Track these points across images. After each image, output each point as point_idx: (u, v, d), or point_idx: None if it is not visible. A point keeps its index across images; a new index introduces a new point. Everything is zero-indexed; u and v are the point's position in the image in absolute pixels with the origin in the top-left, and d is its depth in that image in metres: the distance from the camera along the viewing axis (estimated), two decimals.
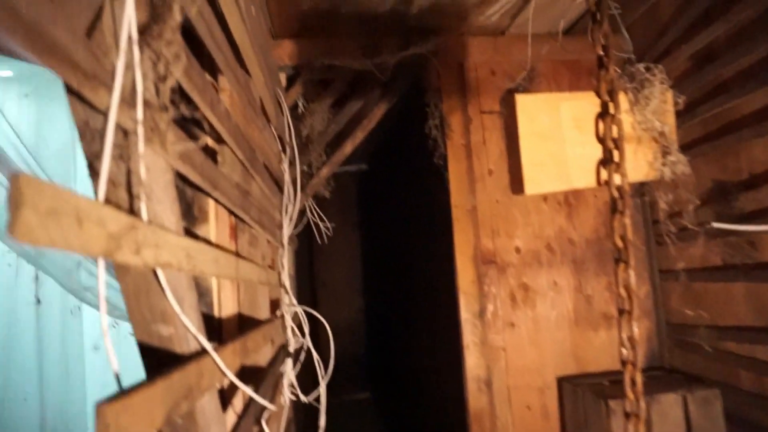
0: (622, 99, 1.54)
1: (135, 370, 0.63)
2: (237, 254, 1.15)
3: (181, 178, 0.74)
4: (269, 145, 1.44)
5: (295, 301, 1.63)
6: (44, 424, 2.47)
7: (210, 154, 1.05)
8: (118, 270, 0.59)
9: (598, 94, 1.25)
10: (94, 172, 0.52)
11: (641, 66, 1.80)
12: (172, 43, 0.53)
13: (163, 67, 0.53)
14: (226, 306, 1.10)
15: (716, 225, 1.74)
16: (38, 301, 2.54)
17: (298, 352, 1.60)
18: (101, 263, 0.46)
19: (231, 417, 0.98)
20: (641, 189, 2.19)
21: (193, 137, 0.97)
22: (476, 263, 2.12)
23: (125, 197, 0.54)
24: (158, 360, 0.63)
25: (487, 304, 2.11)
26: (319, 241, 2.23)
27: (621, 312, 1.15)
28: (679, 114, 1.87)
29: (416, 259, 3.41)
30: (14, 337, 2.49)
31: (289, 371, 1.45)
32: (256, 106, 1.30)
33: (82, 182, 2.47)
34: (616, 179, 1.21)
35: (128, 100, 0.50)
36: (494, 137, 2.19)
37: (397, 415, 4.36)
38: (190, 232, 0.98)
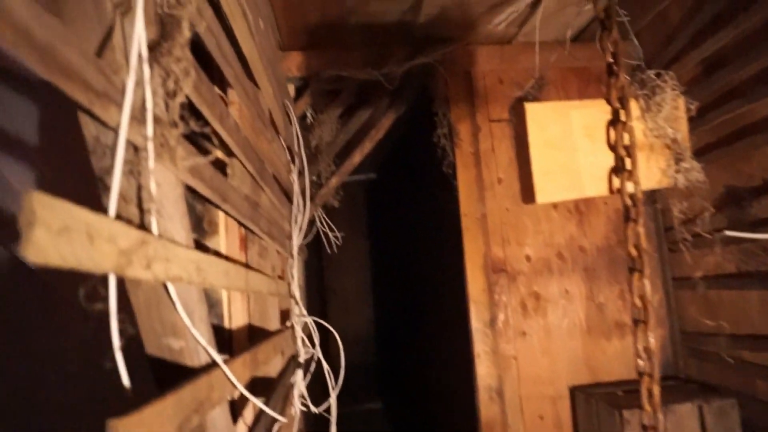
0: (633, 106, 1.53)
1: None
2: (247, 265, 1.15)
3: (191, 191, 0.75)
4: (278, 157, 1.44)
5: (305, 312, 1.63)
6: None
7: (220, 166, 1.06)
8: (129, 284, 0.59)
9: (609, 102, 1.25)
10: (104, 188, 0.52)
11: (652, 73, 1.80)
12: (181, 60, 0.54)
13: (172, 83, 0.54)
14: (236, 317, 1.10)
15: (729, 233, 1.72)
16: None
17: (308, 362, 1.60)
18: (112, 279, 0.46)
19: (242, 429, 0.98)
20: (653, 196, 2.17)
21: (203, 150, 0.97)
22: (486, 272, 2.11)
23: (136, 212, 0.54)
24: (169, 373, 0.63)
25: (498, 313, 2.09)
26: (329, 251, 2.23)
27: (636, 322, 1.14)
28: (690, 120, 1.86)
29: (426, 268, 3.40)
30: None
31: (300, 382, 1.44)
32: (265, 118, 1.31)
33: None
34: (629, 187, 1.20)
35: (138, 116, 0.51)
36: (503, 145, 2.18)
37: (408, 424, 4.33)
38: (200, 245, 0.99)
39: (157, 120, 0.53)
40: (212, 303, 1.04)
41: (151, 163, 0.52)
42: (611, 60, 1.21)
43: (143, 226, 0.54)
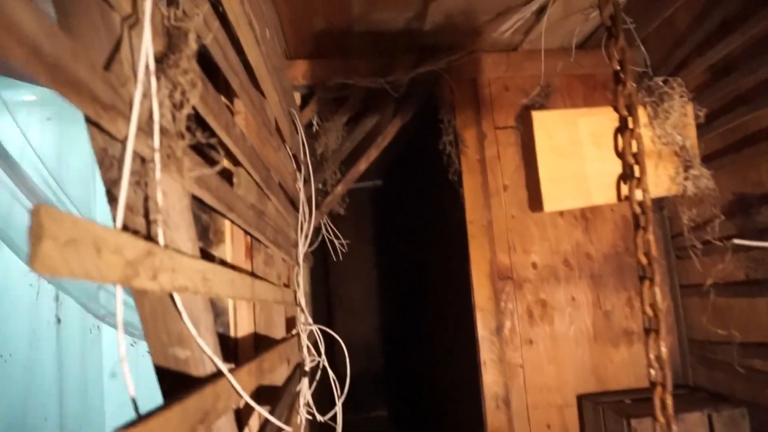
0: (641, 113, 1.53)
1: (153, 390, 0.63)
2: (252, 274, 1.16)
3: (197, 200, 0.75)
4: (284, 165, 1.45)
5: (310, 320, 1.63)
6: None
7: (226, 175, 1.07)
8: (136, 294, 0.59)
9: (616, 109, 1.24)
10: (112, 198, 0.53)
11: (659, 79, 1.79)
12: (188, 72, 0.55)
13: (179, 94, 0.54)
14: (242, 326, 1.11)
15: (738, 242, 1.71)
16: (58, 321, 2.57)
17: (314, 370, 1.60)
18: (119, 290, 0.46)
19: None
20: (660, 203, 2.16)
21: (209, 159, 0.98)
22: (493, 279, 2.10)
23: (143, 223, 0.54)
24: (175, 383, 0.63)
25: (505, 321, 2.08)
26: (335, 258, 2.23)
27: (648, 331, 1.12)
28: (697, 127, 1.85)
29: (432, 275, 3.39)
30: (35, 356, 2.53)
31: (305, 391, 1.44)
32: (271, 127, 1.32)
33: (101, 202, 2.52)
34: (638, 195, 1.19)
35: (145, 128, 0.51)
36: (509, 152, 2.18)
37: None
38: (206, 253, 0.99)
39: (163, 131, 0.53)
40: (218, 312, 1.04)
41: (158, 174, 0.53)
42: (618, 67, 1.21)
43: (150, 237, 0.55)
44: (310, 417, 1.49)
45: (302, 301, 1.59)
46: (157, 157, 0.52)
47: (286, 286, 1.52)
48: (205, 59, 0.74)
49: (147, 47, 0.50)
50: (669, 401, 1.08)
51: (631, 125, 1.22)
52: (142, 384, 0.57)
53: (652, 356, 1.10)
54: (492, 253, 2.11)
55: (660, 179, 1.72)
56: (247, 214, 0.92)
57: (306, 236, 1.67)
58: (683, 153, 1.76)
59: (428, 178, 3.09)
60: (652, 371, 1.11)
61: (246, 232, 1.12)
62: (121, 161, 0.50)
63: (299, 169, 1.77)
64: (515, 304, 2.10)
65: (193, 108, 0.62)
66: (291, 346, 1.35)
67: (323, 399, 1.78)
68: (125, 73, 0.51)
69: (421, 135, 3.01)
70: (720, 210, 1.83)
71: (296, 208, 1.68)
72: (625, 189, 1.27)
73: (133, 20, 0.51)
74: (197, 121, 0.66)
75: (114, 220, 0.49)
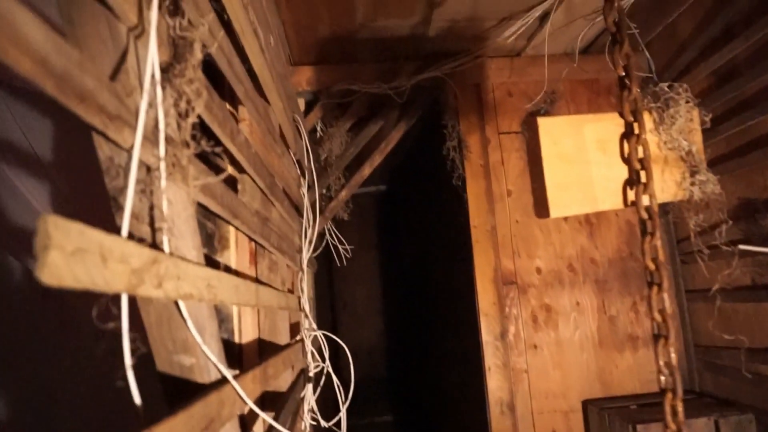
0: (647, 119, 1.53)
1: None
2: (257, 280, 1.16)
3: (201, 206, 0.75)
4: (288, 171, 1.45)
5: (314, 326, 1.63)
6: None
7: (230, 182, 1.07)
8: (141, 302, 0.60)
9: (622, 115, 1.24)
10: (117, 207, 0.53)
11: (665, 85, 1.79)
12: (193, 81, 0.55)
13: (184, 104, 0.55)
14: (246, 332, 1.11)
15: (743, 247, 1.70)
16: None
17: (318, 376, 1.60)
18: (124, 298, 0.47)
19: None
20: (665, 208, 2.16)
21: (214, 166, 0.99)
22: (497, 284, 2.10)
23: (148, 231, 0.55)
24: (180, 390, 0.63)
25: (509, 326, 2.08)
26: (339, 263, 2.24)
27: (657, 337, 1.12)
28: (703, 131, 1.84)
29: (436, 280, 3.39)
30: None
31: (310, 396, 1.44)
32: (275, 133, 1.32)
33: None
34: (645, 200, 1.19)
35: (151, 137, 0.51)
36: (512, 157, 2.19)
37: None
38: (210, 260, 1.00)
39: (169, 140, 0.54)
40: (222, 318, 1.04)
41: (163, 182, 0.53)
42: (623, 73, 1.21)
43: (155, 245, 0.55)
44: (314, 423, 1.49)
45: (306, 306, 1.59)
46: (162, 165, 0.52)
47: (291, 291, 1.53)
48: (209, 66, 0.74)
49: (153, 57, 0.50)
50: (680, 408, 1.07)
51: (636, 131, 1.22)
52: None
53: (661, 362, 1.10)
54: (496, 258, 2.11)
55: (666, 184, 1.72)
56: (252, 221, 0.93)
57: (310, 242, 1.68)
58: (689, 158, 1.75)
59: (432, 184, 3.09)
60: (662, 377, 1.10)
61: (250, 239, 1.12)
62: (126, 170, 0.51)
63: (303, 175, 1.77)
64: (519, 309, 2.10)
65: (198, 116, 0.63)
66: (295, 352, 1.35)
67: (327, 404, 1.78)
68: (131, 83, 0.51)
69: (424, 140, 3.02)
70: (726, 215, 1.82)
71: (300, 214, 1.69)
72: (631, 194, 1.27)
73: (139, 31, 0.52)
74: (202, 128, 0.66)
75: (119, 228, 0.49)
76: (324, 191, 2.16)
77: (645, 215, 1.17)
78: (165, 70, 0.55)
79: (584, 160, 1.50)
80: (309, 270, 1.90)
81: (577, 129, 1.51)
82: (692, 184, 1.74)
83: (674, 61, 2.02)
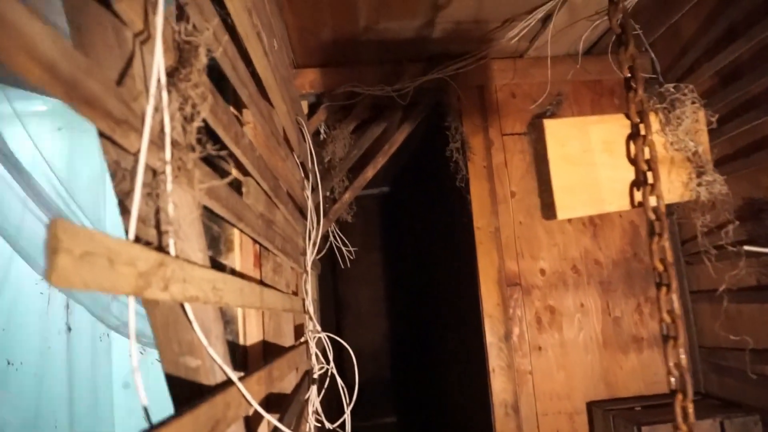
0: (653, 120, 1.53)
1: (162, 397, 0.64)
2: (261, 282, 1.16)
3: (207, 210, 0.76)
4: (292, 174, 1.46)
5: (319, 327, 1.63)
6: None
7: (235, 185, 1.08)
8: (147, 304, 0.60)
9: (628, 116, 1.25)
10: (124, 210, 0.54)
11: (671, 86, 1.79)
12: (198, 85, 0.56)
13: (190, 108, 0.55)
14: (251, 334, 1.11)
15: (748, 248, 1.69)
16: (69, 329, 2.59)
17: (322, 377, 1.60)
18: (131, 301, 0.47)
19: None
20: (670, 208, 2.15)
21: (219, 169, 0.99)
22: (501, 286, 2.10)
23: (154, 234, 0.55)
24: (185, 392, 0.64)
25: (513, 328, 2.08)
26: (342, 265, 2.24)
27: (666, 338, 1.11)
28: (709, 132, 1.84)
29: (440, 282, 3.39)
30: (46, 363, 2.55)
31: (314, 398, 1.45)
32: (279, 136, 1.33)
33: (111, 211, 2.54)
34: (652, 201, 1.19)
35: (157, 141, 0.52)
36: (516, 159, 2.19)
37: None
38: (215, 262, 1.00)
39: (174, 144, 0.54)
40: (227, 320, 1.05)
41: (169, 186, 0.54)
42: (629, 74, 1.21)
43: (161, 248, 0.56)
44: (318, 425, 1.50)
45: (311, 308, 1.59)
46: (168, 169, 0.53)
47: (295, 293, 1.53)
48: (213, 69, 0.75)
49: (159, 62, 0.51)
50: (690, 409, 1.06)
51: (643, 132, 1.22)
52: (151, 392, 0.58)
53: (671, 363, 1.09)
54: (500, 260, 2.11)
55: (673, 185, 1.72)
56: (256, 223, 0.93)
57: (314, 244, 1.68)
58: (696, 159, 1.75)
59: (435, 185, 3.09)
60: (672, 379, 1.09)
61: (255, 241, 1.12)
62: (133, 174, 0.51)
63: (307, 177, 1.78)
64: (524, 311, 2.10)
65: (203, 120, 0.63)
66: (299, 354, 1.36)
67: (332, 406, 1.79)
68: (137, 87, 0.52)
69: (428, 142, 3.02)
70: (728, 216, 1.82)
71: (304, 216, 1.69)
72: (638, 195, 1.27)
73: (145, 36, 0.52)
74: (207, 131, 0.67)
75: (126, 231, 0.50)
76: (327, 193, 2.16)
77: (653, 216, 1.17)
78: (170, 74, 0.55)
79: (590, 162, 1.50)
80: (313, 272, 1.90)
81: (583, 131, 1.51)
82: (699, 184, 1.74)
83: (678, 62, 2.02)
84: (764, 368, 1.76)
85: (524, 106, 2.23)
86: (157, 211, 0.55)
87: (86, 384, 2.55)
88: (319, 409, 1.48)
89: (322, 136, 2.23)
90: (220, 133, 0.71)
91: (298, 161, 1.65)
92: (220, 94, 0.73)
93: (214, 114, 0.67)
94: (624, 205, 1.43)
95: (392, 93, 2.09)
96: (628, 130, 1.29)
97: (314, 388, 1.47)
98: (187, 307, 0.60)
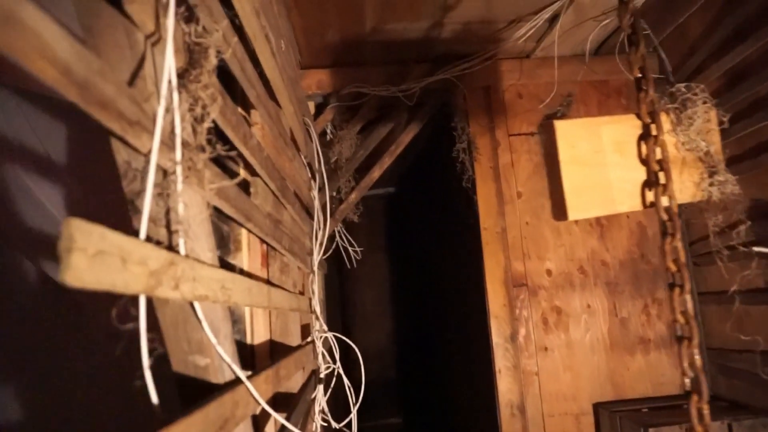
0: (664, 120, 1.52)
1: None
2: (268, 282, 1.17)
3: (215, 210, 0.76)
4: (299, 174, 1.47)
5: (325, 327, 1.64)
6: None
7: (243, 185, 1.08)
8: (157, 303, 0.61)
9: (639, 117, 1.24)
10: (135, 210, 0.54)
11: (682, 86, 1.79)
12: (208, 87, 0.56)
13: (200, 109, 0.56)
14: (258, 333, 1.12)
15: (757, 249, 1.68)
16: None
17: (329, 377, 1.61)
18: (142, 299, 0.48)
19: None
20: (678, 209, 2.14)
21: (227, 169, 1.00)
22: (507, 286, 2.10)
23: (164, 233, 0.56)
24: (194, 390, 0.64)
25: (519, 328, 2.08)
26: (349, 265, 2.24)
27: (680, 339, 1.11)
28: (721, 132, 1.83)
29: (446, 282, 3.39)
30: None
31: (321, 397, 1.45)
32: (286, 137, 1.34)
33: None
34: (664, 201, 1.18)
35: (167, 142, 0.52)
36: (522, 159, 2.18)
37: None
38: (223, 261, 1.01)
39: (185, 144, 0.55)
40: (235, 319, 1.05)
41: (180, 186, 0.54)
42: (639, 75, 1.21)
43: (171, 247, 0.56)
44: (325, 424, 1.50)
45: (317, 308, 1.60)
46: (178, 169, 0.53)
47: (301, 293, 1.54)
48: (220, 69, 0.76)
49: (170, 63, 0.51)
50: (706, 410, 1.05)
51: (654, 132, 1.22)
52: None
53: (686, 364, 1.08)
54: (506, 260, 2.11)
55: (685, 185, 1.71)
56: (264, 223, 0.94)
57: (321, 244, 1.69)
58: (708, 159, 1.75)
59: (442, 186, 3.09)
60: (687, 380, 1.08)
61: (262, 241, 1.13)
62: (143, 174, 0.52)
63: (314, 178, 1.78)
64: (530, 311, 2.10)
65: (213, 121, 0.64)
66: (306, 354, 1.36)
67: (337, 406, 1.79)
68: (148, 89, 0.52)
69: (434, 142, 3.02)
70: (735, 217, 1.81)
71: (311, 216, 1.70)
72: (650, 196, 1.27)
73: (156, 38, 0.53)
74: (216, 132, 0.67)
75: (137, 230, 0.50)
76: (334, 194, 2.17)
77: (665, 216, 1.16)
78: (181, 75, 0.56)
79: (601, 163, 1.50)
80: (319, 272, 1.91)
81: (594, 131, 1.51)
82: (711, 184, 1.73)
83: (685, 62, 2.01)
84: None
85: (531, 107, 2.23)
86: (168, 211, 0.56)
87: None
88: (326, 409, 1.48)
89: (328, 137, 2.24)
90: (230, 133, 0.72)
91: (305, 161, 1.66)
92: (228, 94, 0.73)
93: (224, 115, 0.68)
94: (635, 205, 1.42)
95: (398, 93, 2.10)
96: (639, 131, 1.28)
97: (321, 388, 1.48)
98: (197, 306, 0.61)
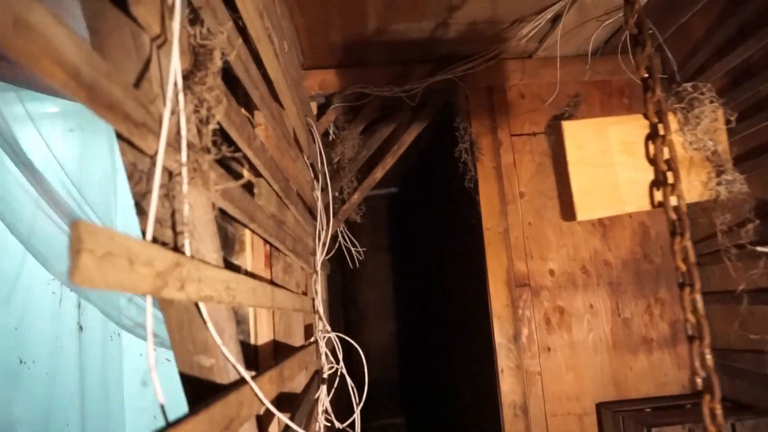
0: (672, 119, 1.53)
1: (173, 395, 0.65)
2: (272, 282, 1.17)
3: (219, 210, 0.77)
4: (302, 174, 1.47)
5: (328, 327, 1.64)
6: None
7: (247, 186, 1.09)
8: (162, 304, 0.61)
9: (647, 117, 1.24)
10: (141, 211, 0.55)
11: (688, 85, 1.79)
12: (213, 88, 0.56)
13: (205, 111, 0.56)
14: (262, 333, 1.12)
15: (761, 249, 1.68)
16: (81, 328, 2.62)
17: (332, 377, 1.61)
18: (149, 300, 0.48)
19: None
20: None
21: (232, 170, 1.00)
22: (510, 286, 2.10)
23: (170, 234, 0.56)
24: (199, 390, 0.65)
25: (522, 328, 2.08)
26: (351, 266, 2.25)
27: (691, 339, 1.11)
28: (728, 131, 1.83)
29: (449, 282, 3.39)
30: (57, 362, 2.57)
31: (324, 398, 1.45)
32: (290, 138, 1.34)
33: (122, 211, 2.56)
34: (673, 201, 1.18)
35: (173, 143, 0.53)
36: (525, 159, 2.18)
37: None
38: (226, 262, 1.01)
39: (190, 146, 0.55)
40: (239, 319, 1.06)
41: (185, 187, 0.55)
42: (646, 75, 1.21)
43: (176, 248, 0.56)
44: (328, 424, 1.50)
45: (320, 308, 1.60)
46: (184, 171, 0.54)
47: (305, 294, 1.54)
48: (223, 71, 0.76)
49: (175, 65, 0.51)
50: (719, 410, 1.04)
51: (662, 132, 1.22)
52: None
53: (697, 364, 1.08)
54: (509, 261, 2.11)
55: (692, 185, 1.71)
56: (268, 224, 0.94)
57: (323, 244, 1.69)
58: (715, 158, 1.74)
59: (444, 186, 3.09)
60: (698, 380, 1.08)
61: (266, 241, 1.13)
62: (149, 175, 0.52)
63: (317, 178, 1.79)
64: (532, 312, 2.10)
65: (217, 122, 0.64)
66: (309, 354, 1.37)
67: (341, 406, 1.79)
68: (154, 90, 0.52)
69: (436, 143, 3.02)
70: (742, 216, 1.81)
71: (314, 217, 1.70)
72: (658, 195, 1.27)
73: (162, 40, 0.53)
74: (220, 133, 0.67)
75: (143, 232, 0.51)
76: (337, 194, 2.17)
77: (674, 216, 1.16)
78: (186, 77, 0.56)
79: (609, 163, 1.50)
80: (322, 272, 1.91)
81: (601, 132, 1.51)
82: (719, 183, 1.73)
83: (688, 62, 2.01)
84: None
85: (533, 107, 2.23)
86: (173, 213, 0.56)
87: (97, 383, 2.58)
88: (329, 409, 1.48)
89: (331, 137, 2.24)
90: (234, 135, 0.72)
91: (307, 162, 1.66)
92: (232, 96, 0.74)
93: (228, 116, 0.68)
94: (644, 205, 1.42)
95: (401, 94, 2.10)
96: (647, 131, 1.29)
97: (324, 388, 1.48)
98: (202, 306, 0.61)
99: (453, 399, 3.49)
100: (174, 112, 0.53)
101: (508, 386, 2.03)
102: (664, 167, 1.22)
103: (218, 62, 0.59)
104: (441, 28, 1.95)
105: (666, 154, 1.22)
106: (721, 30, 1.81)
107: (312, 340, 1.51)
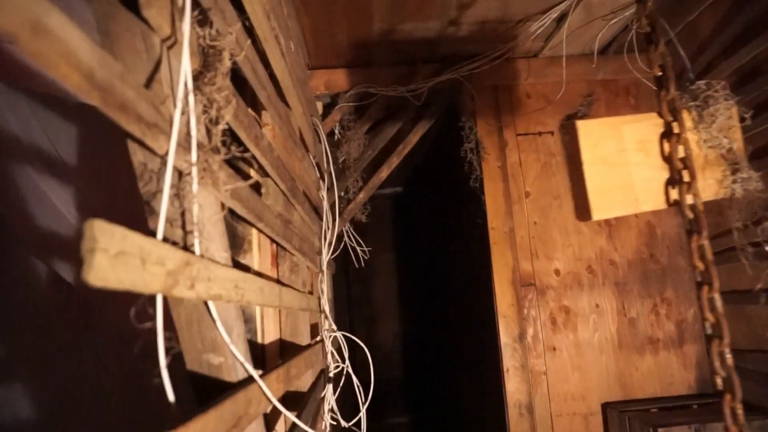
0: (686, 117, 1.52)
1: None
2: (278, 281, 1.18)
3: (228, 210, 0.77)
4: (308, 174, 1.47)
5: (334, 327, 1.64)
6: None
7: (254, 186, 1.09)
8: (172, 302, 0.62)
9: (661, 115, 1.24)
10: (151, 211, 0.55)
11: (702, 83, 1.79)
12: (223, 89, 0.57)
13: (214, 111, 0.57)
14: (268, 332, 1.13)
15: None
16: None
17: (338, 376, 1.61)
18: (159, 299, 0.49)
19: None
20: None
21: (239, 170, 1.01)
22: (515, 286, 2.10)
23: (180, 234, 0.57)
24: (207, 388, 0.65)
25: (527, 328, 2.08)
26: (357, 265, 2.25)
27: (710, 338, 1.10)
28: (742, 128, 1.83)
29: (454, 282, 3.39)
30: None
31: (330, 396, 1.46)
32: (296, 137, 1.34)
33: None
34: (689, 199, 1.18)
35: (183, 144, 0.53)
36: (530, 159, 2.18)
37: None
38: (234, 261, 1.02)
39: (200, 146, 0.56)
40: (246, 318, 1.06)
41: (195, 187, 0.55)
42: (659, 73, 1.21)
43: (186, 248, 0.57)
44: (334, 423, 1.51)
45: (326, 307, 1.61)
46: (194, 171, 0.54)
47: (311, 293, 1.55)
48: (232, 72, 0.76)
49: (185, 67, 0.52)
50: (740, 410, 1.04)
51: (677, 130, 1.22)
52: None
53: (717, 364, 1.07)
54: (514, 260, 2.11)
55: (707, 183, 1.70)
56: (275, 223, 0.95)
57: (329, 244, 1.69)
58: (730, 156, 1.74)
59: (449, 185, 3.09)
60: (718, 379, 1.07)
61: (273, 241, 1.14)
62: (160, 175, 0.53)
63: (322, 178, 1.79)
64: (538, 311, 2.10)
65: (226, 122, 0.64)
66: (315, 353, 1.37)
67: (346, 404, 1.80)
68: (164, 91, 0.53)
69: (442, 142, 3.02)
70: (749, 216, 1.80)
71: (320, 216, 1.71)
72: (673, 194, 1.27)
73: (172, 41, 0.54)
74: (229, 133, 0.68)
75: (153, 231, 0.51)
76: (342, 193, 2.18)
77: (690, 215, 1.16)
78: (196, 78, 0.57)
79: (624, 162, 1.50)
80: (328, 271, 1.92)
81: (616, 131, 1.50)
82: (734, 181, 1.72)
83: (695, 60, 2.00)
84: None
85: (539, 106, 2.23)
86: (183, 212, 0.57)
87: None
88: (335, 408, 1.49)
89: (336, 137, 2.25)
90: (242, 135, 0.73)
91: (313, 162, 1.67)
92: (239, 96, 0.74)
93: (237, 117, 0.68)
94: (659, 204, 1.42)
95: (406, 93, 2.10)
96: (661, 129, 1.28)
97: (330, 387, 1.48)
98: (211, 305, 0.62)
99: (458, 398, 3.49)
100: (184, 112, 0.53)
101: (513, 386, 2.03)
102: (680, 166, 1.22)
103: (227, 63, 0.59)
104: (447, 28, 1.95)
105: (681, 153, 1.21)
106: (728, 28, 1.80)
107: (318, 339, 1.51)
